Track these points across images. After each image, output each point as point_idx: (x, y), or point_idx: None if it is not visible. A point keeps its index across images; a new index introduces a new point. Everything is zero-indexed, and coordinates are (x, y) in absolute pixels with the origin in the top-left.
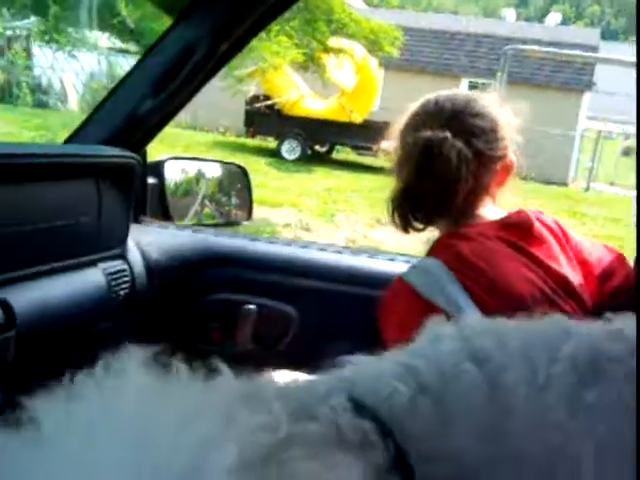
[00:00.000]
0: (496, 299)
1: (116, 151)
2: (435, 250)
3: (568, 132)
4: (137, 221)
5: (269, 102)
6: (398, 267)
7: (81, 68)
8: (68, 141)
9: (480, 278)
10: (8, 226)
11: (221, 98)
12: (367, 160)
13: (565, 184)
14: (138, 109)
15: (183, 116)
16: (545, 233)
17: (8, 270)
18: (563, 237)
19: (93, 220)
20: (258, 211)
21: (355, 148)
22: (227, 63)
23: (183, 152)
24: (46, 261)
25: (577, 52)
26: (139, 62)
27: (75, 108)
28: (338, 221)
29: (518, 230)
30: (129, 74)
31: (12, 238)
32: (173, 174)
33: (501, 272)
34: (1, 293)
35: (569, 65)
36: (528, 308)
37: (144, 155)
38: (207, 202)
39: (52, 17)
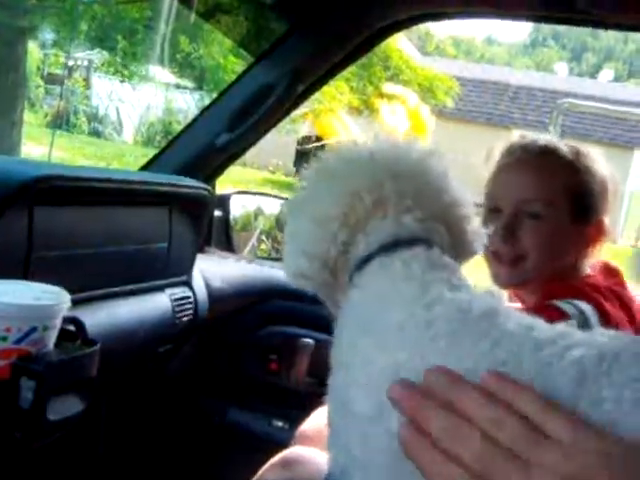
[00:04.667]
0: None
1: (190, 182)
2: (576, 294)
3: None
4: (202, 251)
5: (320, 143)
6: None
7: (138, 100)
8: (144, 168)
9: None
10: (83, 248)
11: (272, 137)
12: None
13: (613, 242)
14: (213, 143)
15: None
16: None
17: (81, 290)
18: None
19: (163, 247)
20: None
21: None
22: (302, 103)
23: (233, 188)
24: (117, 283)
25: (630, 109)
26: (217, 97)
27: (129, 139)
28: None
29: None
30: (206, 108)
31: (86, 259)
32: (236, 206)
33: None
34: (74, 312)
35: (621, 122)
36: None
37: (213, 188)
38: (264, 237)
39: (120, 51)
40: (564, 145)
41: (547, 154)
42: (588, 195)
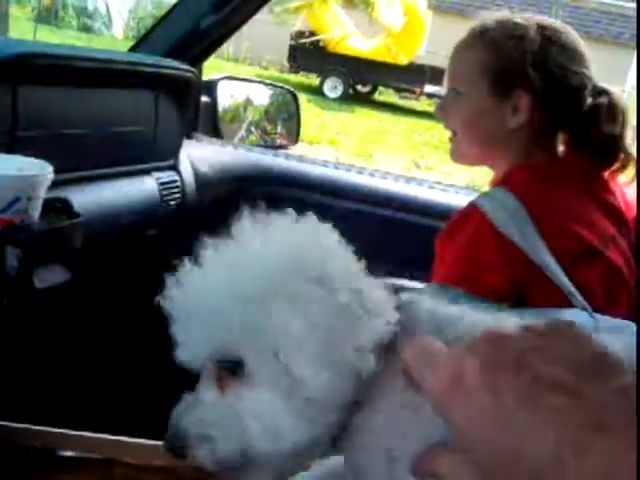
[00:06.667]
0: (562, 242)
1: (175, 63)
2: (508, 183)
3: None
4: (189, 136)
5: (314, 38)
6: (436, 196)
7: None
8: (131, 51)
9: (551, 220)
10: (68, 127)
11: (266, 32)
12: (409, 103)
13: None
14: (199, 24)
15: (226, 48)
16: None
17: (69, 170)
18: None
19: (149, 130)
20: (295, 147)
21: (398, 90)
22: None
23: None
24: (103, 165)
25: (633, 4)
26: None
27: (119, 34)
28: (375, 162)
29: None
30: None
31: (72, 140)
32: (224, 96)
33: (570, 216)
34: (62, 192)
35: (624, 19)
36: (595, 251)
37: (200, 72)
38: (253, 129)
39: None
40: (503, 22)
41: (481, 34)
42: (505, 70)
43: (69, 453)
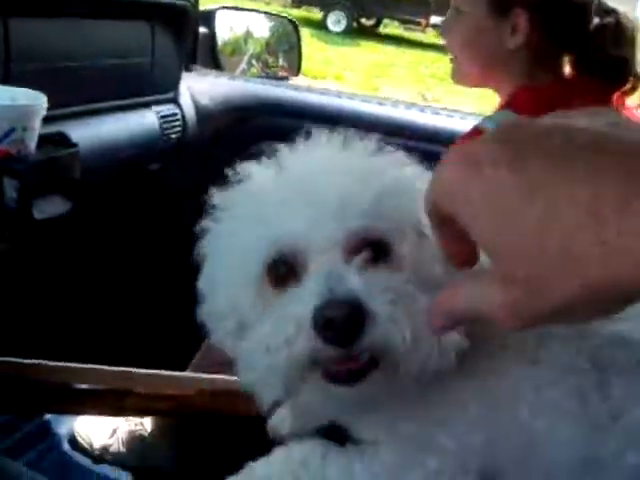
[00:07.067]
0: None
1: None
2: (512, 105)
3: None
4: (188, 69)
5: None
6: (444, 122)
7: None
8: None
9: None
10: (63, 60)
11: None
12: (415, 35)
13: None
14: None
15: None
16: None
17: (65, 104)
18: None
19: (147, 62)
20: (300, 82)
21: (403, 22)
22: None
23: None
24: (102, 99)
25: None
26: None
27: None
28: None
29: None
30: None
31: (68, 73)
32: (223, 28)
33: None
34: (59, 126)
35: None
36: None
37: (196, 2)
38: (254, 61)
39: None
40: None
41: None
42: None
43: (84, 386)
